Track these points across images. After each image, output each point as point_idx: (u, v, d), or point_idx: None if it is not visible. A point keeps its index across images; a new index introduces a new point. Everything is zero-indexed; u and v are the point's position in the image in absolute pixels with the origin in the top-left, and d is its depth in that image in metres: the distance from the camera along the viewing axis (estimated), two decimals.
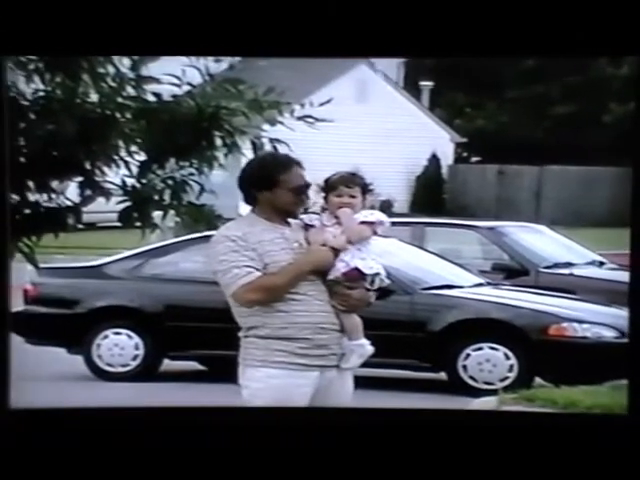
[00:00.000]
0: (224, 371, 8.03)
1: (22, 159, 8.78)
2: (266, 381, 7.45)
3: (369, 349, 7.62)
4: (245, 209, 8.08)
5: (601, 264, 17.63)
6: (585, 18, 6.17)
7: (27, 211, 8.96)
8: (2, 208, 6.54)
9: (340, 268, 7.46)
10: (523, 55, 7.17)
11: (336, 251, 7.55)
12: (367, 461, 6.69)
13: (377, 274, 7.58)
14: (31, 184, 8.82)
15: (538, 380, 13.65)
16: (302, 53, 6.84)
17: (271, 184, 7.66)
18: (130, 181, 8.96)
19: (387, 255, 8.14)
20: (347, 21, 6.32)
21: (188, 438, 6.67)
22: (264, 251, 7.53)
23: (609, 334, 13.65)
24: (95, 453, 6.60)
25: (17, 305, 13.82)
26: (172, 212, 9.26)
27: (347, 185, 7.71)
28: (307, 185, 7.72)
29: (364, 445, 6.72)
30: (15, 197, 8.87)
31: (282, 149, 8.41)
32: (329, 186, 7.68)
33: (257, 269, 7.48)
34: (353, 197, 7.64)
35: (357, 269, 7.48)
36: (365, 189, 7.72)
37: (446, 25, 6.31)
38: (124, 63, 8.77)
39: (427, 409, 8.74)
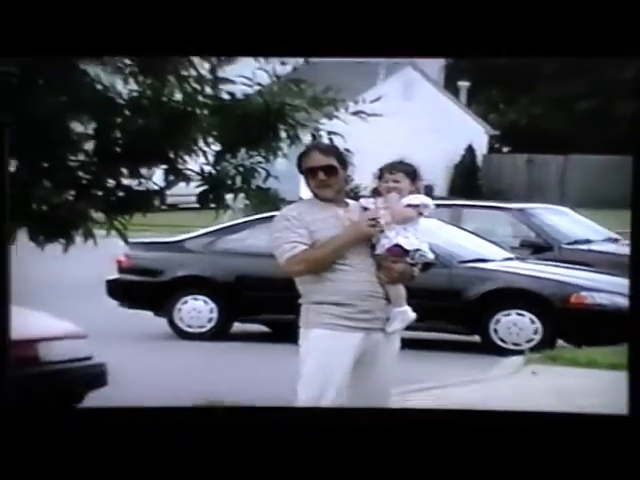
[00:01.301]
0: (286, 333, 8.00)
1: (118, 149, 8.92)
2: (317, 340, 7.43)
3: (411, 315, 7.60)
4: (305, 192, 8.22)
5: (615, 240, 17.62)
6: (586, 18, 5.73)
7: (121, 194, 9.04)
8: (2, 206, 6.01)
9: (384, 244, 7.44)
10: (523, 55, 6.73)
11: (382, 230, 7.47)
12: (368, 460, 6.17)
13: (417, 250, 7.53)
14: (125, 171, 8.96)
15: (560, 342, 13.72)
16: (306, 53, 6.45)
17: (300, 169, 7.64)
18: (207, 168, 9.11)
19: (429, 233, 8.21)
20: (351, 21, 5.83)
21: (188, 438, 6.15)
22: (316, 228, 7.47)
23: (622, 301, 13.72)
24: (95, 453, 6.07)
25: (111, 274, 14.12)
26: (242, 195, 9.37)
27: (390, 172, 7.75)
28: (322, 167, 7.53)
29: (364, 445, 6.20)
30: (111, 182, 9.03)
31: (338, 141, 8.36)
32: (379, 173, 7.80)
33: (304, 244, 7.43)
34: (397, 182, 7.70)
35: (399, 245, 7.44)
36: (412, 176, 7.78)
37: (447, 25, 5.83)
38: (204, 66, 8.95)
39: (427, 409, 8.52)
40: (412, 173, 7.75)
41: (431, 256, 7.71)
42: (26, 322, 9.89)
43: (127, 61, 8.69)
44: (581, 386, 11.33)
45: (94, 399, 10.03)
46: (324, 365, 7.43)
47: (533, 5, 5.74)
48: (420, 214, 7.62)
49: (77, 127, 8.92)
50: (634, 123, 6.12)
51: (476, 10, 5.75)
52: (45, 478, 6.08)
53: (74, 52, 6.15)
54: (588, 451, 5.96)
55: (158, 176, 9.22)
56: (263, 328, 14.09)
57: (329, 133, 8.72)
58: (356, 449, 6.17)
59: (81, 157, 8.97)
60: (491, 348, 13.43)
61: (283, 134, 8.94)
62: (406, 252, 7.49)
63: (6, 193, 5.94)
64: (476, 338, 13.76)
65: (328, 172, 7.48)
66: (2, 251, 6.08)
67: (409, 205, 7.55)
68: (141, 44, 5.93)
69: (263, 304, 12.98)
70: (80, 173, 8.94)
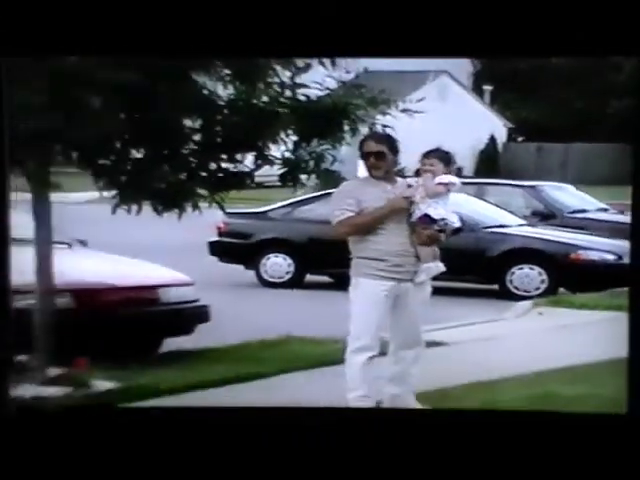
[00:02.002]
0: (343, 282, 8.04)
1: (218, 140, 8.97)
2: (361, 286, 7.55)
3: (435, 270, 7.70)
4: (362, 173, 8.23)
5: (605, 210, 17.60)
6: (586, 18, 4.86)
7: (220, 175, 9.08)
8: (2, 204, 5.24)
9: (417, 214, 7.54)
10: (524, 55, 5.91)
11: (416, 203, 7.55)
12: (368, 460, 5.25)
13: (443, 219, 7.59)
14: (224, 157, 9.04)
15: (561, 290, 13.75)
16: (308, 53, 5.65)
17: (360, 152, 7.74)
18: (287, 154, 9.17)
19: (459, 205, 8.33)
20: (351, 22, 4.94)
21: (188, 438, 5.25)
22: (364, 199, 7.55)
23: (610, 257, 13.73)
24: (95, 452, 5.17)
25: (213, 237, 14.14)
26: (313, 175, 9.43)
27: (427, 157, 7.89)
28: (374, 153, 7.61)
29: (364, 444, 5.28)
30: (213, 165, 9.08)
31: (389, 132, 8.31)
32: (420, 158, 7.95)
33: (350, 211, 7.52)
34: (432, 165, 7.83)
35: (427, 215, 7.52)
36: (445, 160, 7.91)
37: (448, 26, 4.95)
38: (285, 74, 9.03)
39: (427, 409, 7.35)
40: (445, 158, 7.89)
41: (456, 224, 7.78)
42: (149, 273, 10.17)
43: (227, 70, 8.73)
44: (576, 322, 11.45)
45: (203, 331, 10.10)
46: (366, 304, 7.53)
47: (533, 5, 4.90)
48: (448, 190, 7.76)
49: (188, 123, 8.96)
50: (634, 118, 5.17)
51: (476, 10, 4.91)
52: (47, 477, 5.19)
53: (75, 52, 5.33)
54: (588, 450, 5.13)
55: (249, 161, 9.26)
56: (327, 278, 14.07)
57: (383, 126, 8.73)
58: (356, 449, 5.28)
59: (191, 146, 8.99)
60: (507, 294, 13.48)
61: (346, 127, 8.93)
62: (433, 221, 7.57)
63: (6, 188, 5.23)
64: (495, 287, 13.78)
65: (378, 157, 7.63)
66: (3, 246, 5.35)
67: (440, 183, 7.67)
68: (143, 45, 5.04)
69: (327, 260, 12.76)
70: (190, 159, 8.98)
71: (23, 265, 8.64)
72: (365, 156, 7.66)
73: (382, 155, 7.63)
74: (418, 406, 7.69)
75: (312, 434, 5.29)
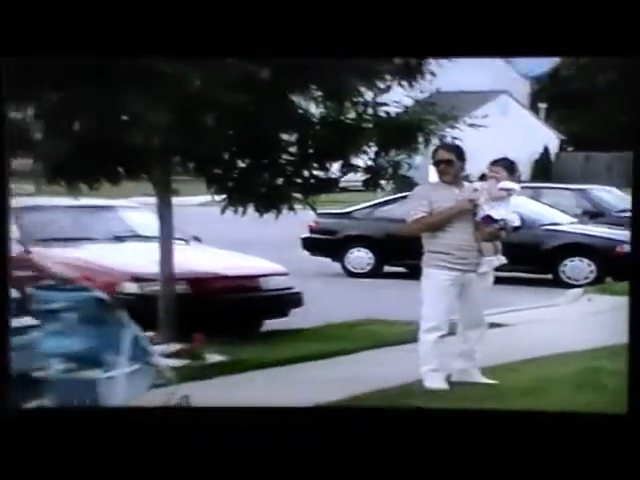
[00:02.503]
0: (416, 273, 8.03)
1: (311, 151, 9.04)
2: (431, 276, 7.60)
3: (496, 262, 7.75)
4: (433, 178, 8.26)
5: None
6: (586, 18, 4.26)
7: (312, 181, 9.14)
8: (2, 204, 4.57)
9: (481, 215, 7.59)
10: (523, 55, 4.73)
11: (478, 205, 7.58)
12: (369, 459, 4.57)
13: (503, 219, 7.63)
14: (315, 165, 9.14)
15: (608, 279, 13.54)
16: (305, 54, 4.77)
17: (432, 160, 7.78)
18: (369, 162, 9.23)
19: (519, 206, 8.36)
20: (351, 22, 4.31)
21: (188, 438, 4.57)
22: (435, 201, 7.59)
23: None
24: (95, 452, 4.50)
25: (305, 233, 14.02)
26: (392, 181, 9.48)
27: (493, 165, 7.93)
28: (444, 161, 7.64)
29: (365, 443, 4.59)
30: (306, 173, 9.14)
31: (457, 143, 8.26)
32: (488, 167, 8.00)
33: (423, 212, 7.56)
34: (496, 172, 7.86)
35: (489, 216, 7.57)
36: (509, 168, 7.93)
37: (448, 26, 4.31)
38: (369, 94, 9.06)
39: (427, 409, 6.49)
40: (509, 166, 7.92)
41: (516, 222, 7.82)
42: (252, 264, 10.21)
43: (319, 92, 8.82)
44: (619, 307, 11.31)
45: (297, 314, 10.16)
46: (436, 292, 7.57)
47: (533, 5, 4.30)
48: (509, 195, 7.79)
49: (285, 137, 9.09)
50: (634, 123, 4.80)
51: (476, 10, 4.30)
52: (46, 477, 4.52)
53: (75, 52, 4.51)
54: (588, 450, 4.50)
55: (335, 168, 9.31)
56: (402, 269, 13.78)
57: (452, 138, 8.73)
58: (355, 449, 4.60)
59: (287, 157, 9.07)
60: (559, 283, 13.34)
61: (420, 139, 8.96)
62: (494, 220, 7.61)
63: (6, 191, 4.59)
64: (549, 276, 13.62)
65: (448, 164, 7.67)
66: (2, 244, 4.61)
67: (502, 189, 7.72)
68: (143, 45, 4.40)
69: (402, 253, 12.39)
70: (287, 167, 9.05)
71: (151, 257, 8.96)
72: (436, 163, 7.72)
73: (451, 162, 7.69)
74: (482, 379, 7.75)
75: (311, 434, 4.67)
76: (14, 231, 9.32)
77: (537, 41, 4.37)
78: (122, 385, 6.47)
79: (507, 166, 7.87)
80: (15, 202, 10.40)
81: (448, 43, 4.41)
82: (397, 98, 9.10)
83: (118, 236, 10.09)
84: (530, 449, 4.51)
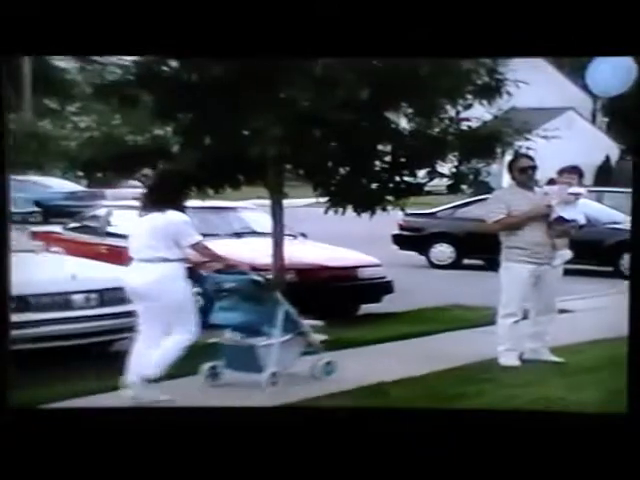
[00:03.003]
0: (493, 265, 8.03)
1: (402, 160, 8.96)
2: (509, 269, 7.58)
3: (567, 256, 7.77)
4: (505, 183, 8.32)
5: None
6: (586, 18, 3.81)
7: (403, 185, 9.06)
8: (2, 205, 4.10)
9: (554, 215, 7.61)
10: (523, 55, 4.35)
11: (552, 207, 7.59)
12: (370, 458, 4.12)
13: (574, 220, 7.68)
14: (406, 172, 9.06)
15: None
16: (308, 54, 4.39)
17: (510, 168, 7.80)
18: (452, 170, 9.12)
19: (584, 207, 8.32)
20: (352, 23, 3.87)
21: (188, 438, 4.13)
22: (511, 204, 7.60)
23: None
24: (95, 452, 4.08)
25: (395, 231, 13.93)
26: (471, 186, 9.31)
27: (564, 172, 7.93)
28: (528, 168, 7.66)
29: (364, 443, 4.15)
30: (398, 178, 9.00)
31: (531, 153, 8.29)
32: (558, 173, 7.99)
33: (502, 213, 7.56)
34: (567, 178, 7.85)
35: (561, 217, 7.60)
36: (579, 175, 7.94)
37: (448, 26, 3.86)
38: (452, 111, 8.96)
39: (428, 408, 5.73)
40: (578, 173, 7.93)
41: (582, 222, 7.82)
42: (350, 257, 10.29)
43: (410, 109, 8.85)
44: None
45: (388, 300, 10.20)
46: (513, 282, 7.56)
47: (533, 5, 3.85)
48: (577, 198, 7.79)
49: (380, 147, 9.03)
50: (634, 121, 4.30)
51: (476, 11, 3.86)
52: (46, 477, 4.10)
53: (75, 52, 4.13)
54: (588, 450, 4.09)
55: (422, 175, 9.23)
56: (479, 262, 13.76)
57: (527, 148, 8.65)
58: (355, 449, 4.18)
59: (382, 165, 9.05)
60: (620, 274, 13.14)
61: (498, 150, 8.90)
62: (566, 221, 7.64)
63: (7, 190, 4.08)
64: (610, 268, 13.44)
65: (531, 170, 7.69)
66: (2, 244, 4.19)
67: (571, 193, 7.73)
68: (143, 45, 3.95)
69: (479, 248, 12.36)
70: (381, 174, 9.04)
71: (265, 250, 9.12)
72: (522, 170, 7.70)
73: (534, 169, 7.73)
74: (552, 357, 7.75)
75: (309, 434, 4.24)
76: None
77: (537, 41, 3.93)
78: (277, 351, 6.84)
79: (577, 173, 7.90)
80: None
81: (448, 43, 3.99)
82: (478, 114, 9.07)
83: (238, 232, 10.31)
84: (531, 449, 4.10)
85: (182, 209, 6.61)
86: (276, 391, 6.64)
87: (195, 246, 6.52)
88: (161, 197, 6.52)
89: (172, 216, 6.48)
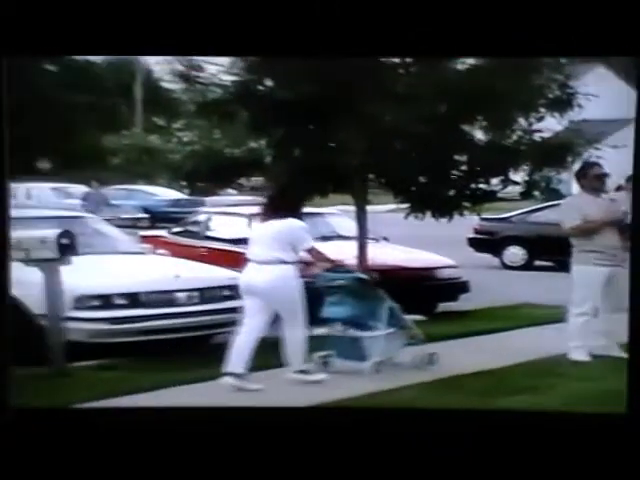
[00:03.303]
0: (564, 266, 7.93)
1: (478, 168, 8.94)
2: (581, 271, 7.47)
3: None
4: (574, 190, 8.16)
5: None
6: (585, 18, 3.53)
7: (478, 193, 9.04)
8: (2, 206, 3.84)
9: (625, 220, 7.38)
10: (523, 55, 4.25)
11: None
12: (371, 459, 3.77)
13: None
14: (481, 180, 9.04)
15: None
16: (308, 53, 3.96)
17: (578, 176, 7.68)
18: (525, 178, 9.08)
19: None
20: (350, 23, 3.55)
21: (188, 438, 3.75)
22: (584, 209, 7.48)
23: None
24: (95, 452, 3.73)
25: (471, 234, 13.63)
26: (543, 193, 9.28)
27: (631, 180, 7.81)
28: (602, 175, 7.57)
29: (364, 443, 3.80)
30: (474, 186, 8.97)
31: (601, 162, 8.18)
32: (627, 180, 7.83)
33: (576, 219, 7.45)
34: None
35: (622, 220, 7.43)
36: None
37: (448, 26, 3.54)
38: (523, 125, 8.93)
39: (429, 408, 5.44)
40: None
41: None
42: (429, 258, 10.17)
43: (485, 122, 8.80)
44: None
45: (464, 298, 10.06)
46: (586, 283, 7.46)
47: (533, 5, 3.55)
48: None
49: (457, 157, 9.02)
50: (635, 129, 4.04)
51: (476, 11, 3.55)
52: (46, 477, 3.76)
53: (75, 52, 3.86)
54: (588, 450, 3.77)
55: (496, 182, 9.18)
56: (549, 264, 13.42)
57: (597, 157, 8.54)
58: (354, 450, 3.82)
59: (458, 174, 9.03)
60: None
61: (568, 159, 8.80)
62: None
63: (6, 189, 3.83)
64: None
65: (604, 178, 7.60)
66: (3, 248, 3.95)
67: None
68: (143, 45, 3.60)
69: (550, 250, 12.23)
70: (458, 182, 9.01)
71: (350, 252, 9.12)
72: (595, 177, 7.58)
73: (606, 176, 7.63)
74: (621, 354, 7.58)
75: (313, 434, 3.90)
76: (249, 232, 9.80)
77: (537, 41, 3.67)
78: (381, 343, 7.03)
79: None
80: (252, 210, 10.81)
81: (448, 43, 3.68)
82: (550, 125, 8.99)
83: (325, 236, 10.34)
84: (531, 449, 3.80)
85: (300, 217, 6.83)
86: (379, 378, 6.84)
87: (309, 250, 6.78)
88: (282, 206, 6.76)
89: (292, 223, 6.71)
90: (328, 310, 7.12)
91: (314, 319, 6.90)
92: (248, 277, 6.79)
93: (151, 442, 3.81)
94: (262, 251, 6.70)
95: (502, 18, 3.56)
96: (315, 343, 7.01)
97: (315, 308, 7.02)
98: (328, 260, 7.11)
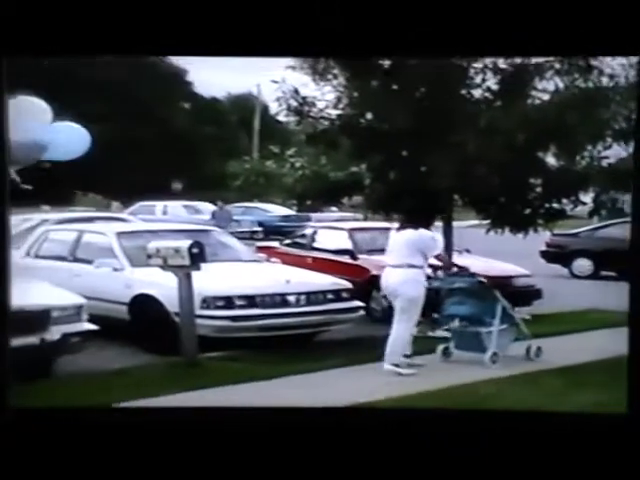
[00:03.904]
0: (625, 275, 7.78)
1: (552, 191, 8.70)
2: None
3: None
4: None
5: None
6: (585, 18, 3.06)
7: (552, 211, 8.78)
8: (2, 207, 3.19)
9: None
10: (523, 55, 3.87)
11: None
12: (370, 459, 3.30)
13: None
14: (554, 200, 8.77)
15: None
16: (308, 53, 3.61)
17: None
18: (593, 199, 8.84)
19: None
20: (351, 24, 3.09)
21: (188, 439, 3.27)
22: None
23: None
24: (95, 452, 3.27)
25: (543, 247, 13.19)
26: (609, 212, 9.09)
27: None
28: None
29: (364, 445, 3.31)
30: (547, 205, 8.73)
31: None
32: None
33: None
34: None
35: None
36: None
37: (448, 26, 3.10)
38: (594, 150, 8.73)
39: (430, 409, 4.89)
40: None
41: None
42: (507, 268, 9.80)
43: (557, 150, 8.56)
44: None
45: (538, 304, 9.75)
46: None
47: (533, 5, 3.09)
48: None
49: (532, 180, 8.86)
50: (636, 131, 3.48)
51: (476, 10, 3.09)
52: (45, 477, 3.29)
53: (75, 52, 3.26)
54: (588, 450, 3.33)
55: (566, 202, 8.91)
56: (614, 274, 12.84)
57: None
58: (354, 450, 3.33)
59: (534, 195, 8.86)
60: None
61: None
62: None
63: (6, 190, 3.20)
64: None
65: None
66: (2, 246, 3.23)
67: None
68: (143, 45, 3.18)
69: (614, 261, 11.71)
70: (533, 202, 8.82)
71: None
72: None
73: None
74: None
75: (312, 435, 3.39)
76: (348, 243, 9.87)
77: (537, 41, 3.18)
78: (495, 337, 7.17)
79: None
80: (351, 225, 10.83)
81: (448, 43, 3.21)
82: (616, 152, 8.67)
83: None
84: (531, 449, 3.35)
85: (430, 228, 7.14)
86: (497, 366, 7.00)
87: (437, 256, 7.13)
88: (417, 219, 7.05)
89: (424, 233, 6.96)
90: (451, 308, 7.35)
91: (438, 315, 7.23)
92: (385, 279, 7.06)
93: (151, 443, 3.35)
94: (396, 257, 6.94)
95: (502, 18, 3.13)
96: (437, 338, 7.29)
97: (439, 306, 7.32)
98: (453, 265, 7.36)
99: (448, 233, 8.89)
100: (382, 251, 9.76)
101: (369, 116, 8.20)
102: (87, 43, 3.21)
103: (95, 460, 3.29)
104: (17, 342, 4.14)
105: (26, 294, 5.64)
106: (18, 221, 9.99)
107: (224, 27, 3.15)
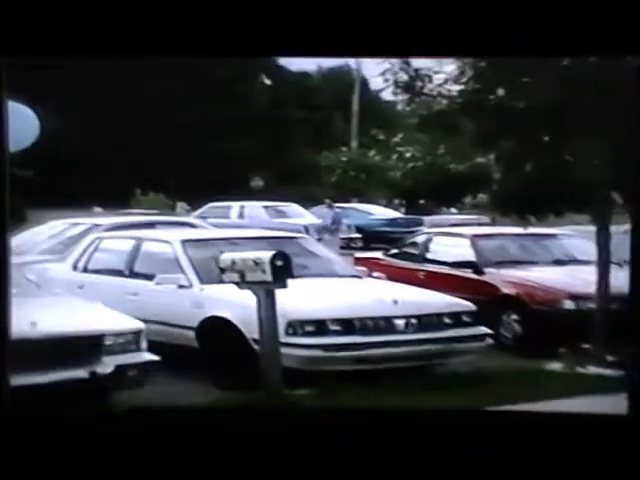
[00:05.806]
0: None
1: None
2: None
3: None
4: None
5: None
6: (586, 18, 3.69)
7: None
8: (2, 207, 3.89)
9: None
10: (523, 55, 4.39)
11: None
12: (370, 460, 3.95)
13: None
14: None
15: None
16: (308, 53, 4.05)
17: None
18: None
19: None
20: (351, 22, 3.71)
21: (187, 439, 3.90)
22: None
23: None
24: (96, 452, 3.88)
25: None
26: None
27: None
28: None
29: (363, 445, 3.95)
30: None
31: None
32: None
33: None
34: None
35: None
36: None
37: (448, 26, 3.72)
38: None
39: (431, 409, 5.37)
40: None
41: None
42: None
43: None
44: None
45: None
46: None
47: (533, 5, 3.71)
48: None
49: None
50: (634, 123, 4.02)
51: (476, 10, 3.71)
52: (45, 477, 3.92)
53: (75, 52, 3.91)
54: (588, 450, 3.92)
55: None
56: None
57: None
58: (356, 449, 3.97)
59: None
60: None
61: None
62: None
63: (6, 199, 3.90)
64: None
65: None
66: (3, 256, 3.96)
67: None
68: (143, 45, 3.78)
69: None
70: None
71: (587, 278, 8.75)
72: None
73: None
74: None
75: (312, 435, 4.01)
76: (471, 254, 9.74)
77: (537, 41, 3.77)
78: None
79: None
80: (474, 230, 10.66)
81: (448, 43, 3.82)
82: None
83: (558, 260, 10.01)
84: (531, 449, 3.93)
85: None
86: None
87: None
88: None
89: None
90: None
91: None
92: None
93: (152, 444, 3.90)
94: None
95: (502, 18, 3.70)
96: None
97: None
98: None
99: (603, 240, 8.60)
100: (515, 263, 9.59)
101: (500, 92, 7.99)
102: (87, 44, 3.75)
103: (95, 460, 3.84)
104: (61, 376, 4.41)
105: (73, 317, 5.64)
106: (63, 226, 10.35)
107: (224, 27, 3.71)
